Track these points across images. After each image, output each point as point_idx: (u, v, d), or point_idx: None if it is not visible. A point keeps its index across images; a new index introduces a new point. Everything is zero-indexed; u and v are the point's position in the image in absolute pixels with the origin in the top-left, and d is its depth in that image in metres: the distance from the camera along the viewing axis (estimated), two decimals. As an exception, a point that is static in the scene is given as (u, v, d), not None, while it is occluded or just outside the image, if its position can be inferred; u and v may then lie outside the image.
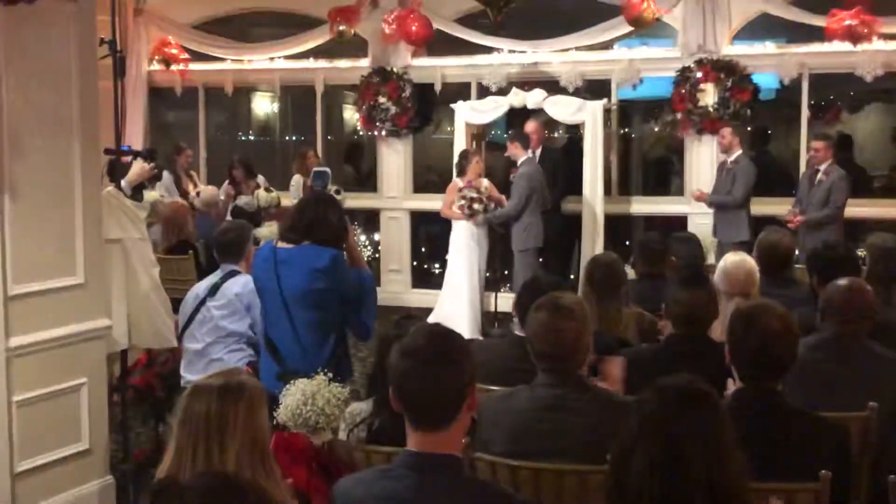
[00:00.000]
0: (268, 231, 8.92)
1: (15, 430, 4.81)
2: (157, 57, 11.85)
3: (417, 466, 2.44)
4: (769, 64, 9.92)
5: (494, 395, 3.56)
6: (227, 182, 10.26)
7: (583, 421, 3.20)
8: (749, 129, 10.28)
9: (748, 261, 4.74)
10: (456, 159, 9.61)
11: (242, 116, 14.24)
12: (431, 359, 2.43)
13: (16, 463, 4.81)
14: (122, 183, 5.53)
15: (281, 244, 4.60)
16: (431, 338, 2.49)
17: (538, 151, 9.96)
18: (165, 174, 9.50)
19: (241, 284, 5.47)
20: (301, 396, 3.46)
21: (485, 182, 9.25)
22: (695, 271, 4.54)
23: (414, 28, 10.05)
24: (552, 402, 3.27)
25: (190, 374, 5.49)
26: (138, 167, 5.63)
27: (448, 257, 9.60)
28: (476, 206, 9.11)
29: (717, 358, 3.57)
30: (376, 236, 11.75)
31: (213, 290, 5.55)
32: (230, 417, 2.59)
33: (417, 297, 10.83)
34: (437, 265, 11.46)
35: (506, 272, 9.97)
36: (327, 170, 7.63)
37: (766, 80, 10.22)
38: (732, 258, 4.77)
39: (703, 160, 10.00)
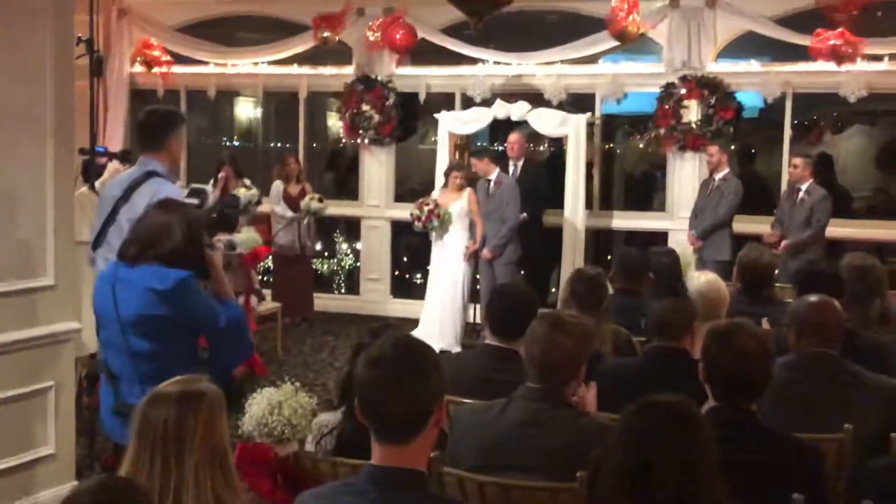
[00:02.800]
0: (245, 236, 8.81)
1: (-20, 433, 4.73)
2: (139, 59, 11.75)
3: (380, 481, 2.37)
4: (753, 82, 9.92)
5: (468, 408, 3.50)
6: (211, 184, 10.13)
7: (555, 439, 3.15)
8: (733, 147, 10.27)
9: (718, 280, 4.72)
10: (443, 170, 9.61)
11: (225, 121, 14.16)
12: (398, 370, 2.35)
13: (-20, 465, 4.73)
14: (96, 184, 5.46)
15: (121, 261, 3.85)
16: (399, 348, 2.40)
17: (520, 164, 9.95)
18: None
19: (152, 193, 4.51)
20: (267, 405, 3.38)
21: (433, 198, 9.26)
22: (671, 285, 4.52)
23: (398, 36, 10.03)
24: (526, 417, 3.22)
25: None
26: (113, 168, 5.58)
27: (431, 268, 9.55)
28: (417, 224, 9.22)
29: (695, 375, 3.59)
30: (357, 245, 11.70)
31: (128, 193, 4.68)
32: (189, 426, 2.50)
33: (396, 307, 10.79)
34: (417, 275, 11.42)
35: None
36: (206, 187, 7.35)
37: (750, 99, 10.25)
38: (705, 279, 4.75)
39: (686, 176, 10.00)
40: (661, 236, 9.96)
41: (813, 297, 3.98)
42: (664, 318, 4.11)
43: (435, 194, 9.46)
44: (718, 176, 9.12)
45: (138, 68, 11.83)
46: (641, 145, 11.71)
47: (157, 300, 3.68)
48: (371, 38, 10.32)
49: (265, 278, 10.80)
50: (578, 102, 10.57)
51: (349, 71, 11.13)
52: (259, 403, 3.43)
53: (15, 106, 4.78)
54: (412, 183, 11.97)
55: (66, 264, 5.09)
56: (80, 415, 5.42)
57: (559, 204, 9.95)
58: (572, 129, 9.87)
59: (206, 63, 11.79)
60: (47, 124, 4.93)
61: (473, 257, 9.36)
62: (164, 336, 3.73)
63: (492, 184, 9.41)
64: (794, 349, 3.92)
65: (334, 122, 13.00)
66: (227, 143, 13.96)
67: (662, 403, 2.39)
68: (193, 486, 2.44)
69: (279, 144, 13.46)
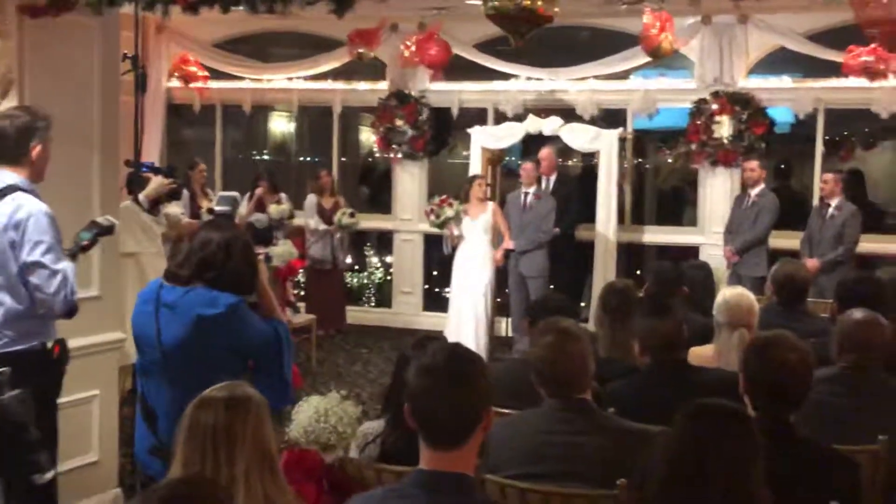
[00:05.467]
0: (282, 250, 8.93)
1: (27, 440, 4.82)
2: (176, 73, 11.93)
3: (429, 485, 2.44)
4: (785, 98, 9.97)
5: (504, 419, 3.56)
6: (246, 199, 10.24)
7: (593, 445, 3.21)
8: (771, 163, 10.28)
9: (748, 294, 4.76)
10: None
11: (259, 135, 14.33)
12: (450, 378, 2.43)
13: (26, 472, 4.81)
14: (140, 197, 5.58)
15: (168, 283, 3.61)
16: (451, 357, 2.49)
17: (552, 179, 10.00)
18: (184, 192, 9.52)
19: (13, 210, 4.01)
20: (314, 413, 3.46)
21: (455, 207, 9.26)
22: (658, 301, 4.56)
23: (433, 52, 10.13)
24: (562, 426, 3.28)
25: None
26: (157, 182, 5.69)
27: (453, 283, 9.55)
28: (432, 217, 9.22)
29: (699, 382, 3.74)
30: (388, 258, 11.80)
31: None
32: (237, 430, 2.57)
33: (429, 320, 10.85)
34: (448, 289, 11.48)
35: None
36: (236, 194, 7.32)
37: (781, 114, 10.27)
38: (732, 291, 4.79)
39: (717, 192, 10.03)
40: (693, 251, 9.99)
41: (859, 313, 4.01)
42: (672, 339, 4.10)
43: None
44: (754, 192, 9.15)
45: (175, 83, 12.01)
46: (671, 160, 11.75)
47: (206, 327, 3.48)
48: (405, 54, 10.42)
49: (298, 291, 10.91)
50: (610, 118, 10.65)
51: (383, 86, 11.26)
52: (306, 411, 3.50)
53: (65, 121, 4.87)
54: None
55: (111, 275, 5.21)
56: (123, 424, 5.50)
57: (590, 219, 10.01)
58: (604, 145, 9.95)
59: (241, 78, 11.96)
60: (94, 138, 5.07)
61: (498, 271, 9.37)
62: (209, 366, 3.40)
63: (530, 196, 9.44)
64: (836, 362, 3.96)
65: (367, 137, 13.15)
66: (261, 158, 14.13)
67: (716, 406, 2.47)
68: (244, 488, 2.50)
69: (312, 159, 13.60)
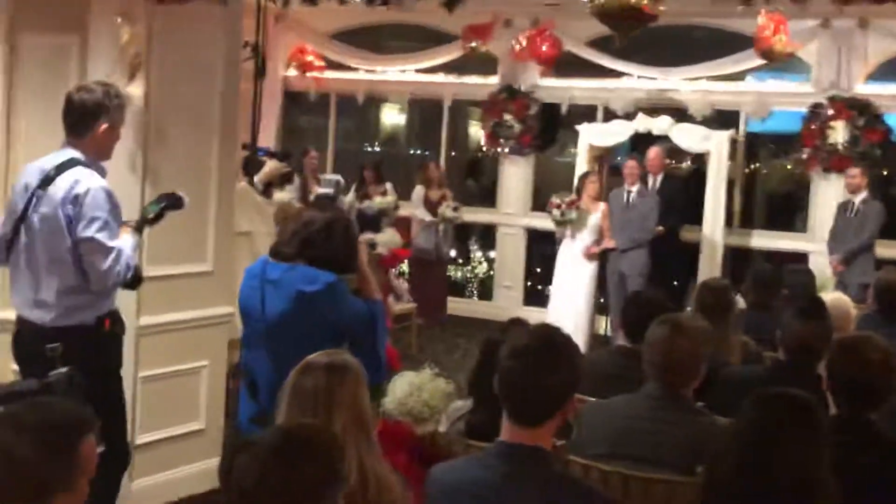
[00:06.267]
0: (387, 237, 9.14)
1: (138, 405, 5.09)
2: (293, 63, 12.26)
3: (508, 455, 2.58)
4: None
5: (597, 403, 3.66)
6: (353, 189, 10.50)
7: (679, 435, 3.28)
8: (884, 171, 10.06)
9: (845, 299, 4.74)
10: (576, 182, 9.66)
11: (371, 126, 14.60)
12: (538, 362, 2.56)
13: (137, 435, 5.06)
14: (255, 179, 5.80)
15: (273, 260, 3.82)
16: (541, 341, 2.62)
17: (659, 178, 9.95)
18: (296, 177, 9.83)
19: (71, 184, 4.01)
20: (408, 387, 3.60)
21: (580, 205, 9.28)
22: (814, 303, 4.54)
23: (544, 48, 10.18)
24: (652, 413, 3.37)
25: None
26: (271, 166, 5.91)
27: (556, 277, 9.63)
28: (555, 211, 9.21)
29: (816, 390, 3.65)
30: (491, 253, 11.91)
31: (44, 184, 4.08)
32: (336, 392, 2.75)
33: (529, 315, 10.87)
34: (549, 286, 11.53)
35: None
36: (339, 177, 7.37)
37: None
38: (829, 296, 4.78)
39: (830, 198, 9.81)
40: (802, 257, 9.80)
41: None
42: (808, 342, 4.10)
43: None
44: (858, 199, 8.99)
45: (292, 72, 12.34)
46: (786, 165, 11.57)
47: (305, 302, 3.66)
48: (517, 49, 10.51)
49: (403, 282, 11.11)
50: (722, 119, 10.54)
51: (493, 80, 11.37)
52: (401, 385, 3.65)
53: (187, 104, 5.16)
54: (549, 194, 12.07)
55: (223, 252, 5.44)
56: (229, 396, 5.74)
57: (696, 220, 9.94)
58: (714, 146, 9.86)
59: (355, 69, 12.22)
60: (214, 121, 5.31)
61: (600, 268, 9.40)
62: (308, 339, 3.48)
63: (633, 194, 9.45)
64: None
65: (476, 131, 13.27)
66: (372, 149, 14.40)
67: (784, 395, 2.54)
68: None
69: (421, 151, 13.81)
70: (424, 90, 12.01)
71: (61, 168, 4.04)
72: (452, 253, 11.48)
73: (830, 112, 9.72)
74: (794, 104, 10.13)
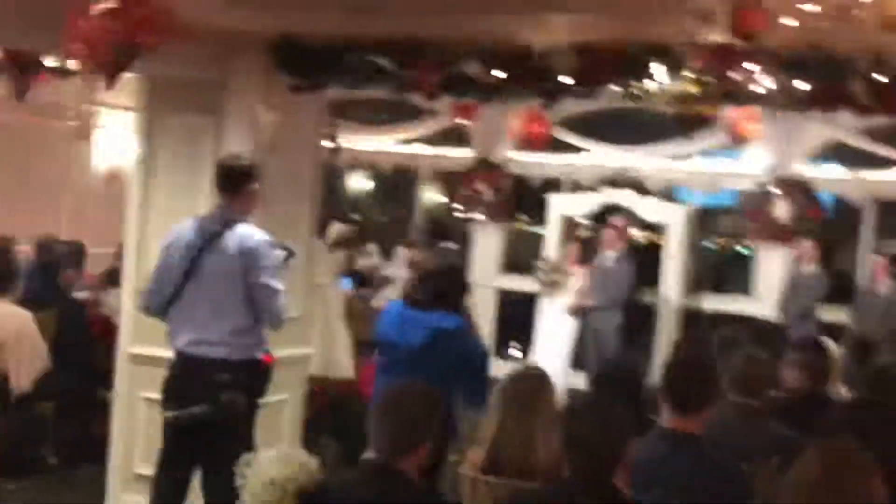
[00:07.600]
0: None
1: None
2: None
3: (668, 438, 3.55)
4: (836, 187, 10.98)
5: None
6: None
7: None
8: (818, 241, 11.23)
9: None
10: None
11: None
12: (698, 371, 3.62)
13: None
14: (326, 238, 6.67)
15: (406, 302, 5.12)
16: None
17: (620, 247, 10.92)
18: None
19: (241, 239, 4.79)
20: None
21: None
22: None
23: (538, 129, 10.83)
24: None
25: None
26: (337, 227, 6.79)
27: (537, 340, 10.50)
28: (544, 269, 10.19)
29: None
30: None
31: (212, 238, 4.79)
32: (538, 395, 3.74)
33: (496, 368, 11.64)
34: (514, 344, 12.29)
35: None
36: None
37: (833, 200, 11.29)
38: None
39: (773, 266, 10.96)
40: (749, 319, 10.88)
41: None
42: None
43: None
44: (805, 269, 10.20)
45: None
46: (732, 238, 12.66)
47: (443, 338, 4.77)
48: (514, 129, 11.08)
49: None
50: (676, 194, 11.72)
51: (466, 153, 12.31)
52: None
53: (289, 178, 6.03)
54: (518, 258, 12.94)
55: (306, 301, 6.26)
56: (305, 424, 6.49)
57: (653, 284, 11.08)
58: (671, 218, 11.09)
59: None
60: (305, 188, 6.19)
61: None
62: (442, 367, 4.62)
63: (614, 260, 10.47)
64: None
65: (438, 197, 14.06)
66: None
67: (845, 445, 2.94)
68: (542, 436, 3.61)
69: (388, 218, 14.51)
70: (400, 160, 12.88)
71: (226, 225, 4.75)
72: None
73: (774, 190, 10.89)
74: (741, 182, 11.31)
